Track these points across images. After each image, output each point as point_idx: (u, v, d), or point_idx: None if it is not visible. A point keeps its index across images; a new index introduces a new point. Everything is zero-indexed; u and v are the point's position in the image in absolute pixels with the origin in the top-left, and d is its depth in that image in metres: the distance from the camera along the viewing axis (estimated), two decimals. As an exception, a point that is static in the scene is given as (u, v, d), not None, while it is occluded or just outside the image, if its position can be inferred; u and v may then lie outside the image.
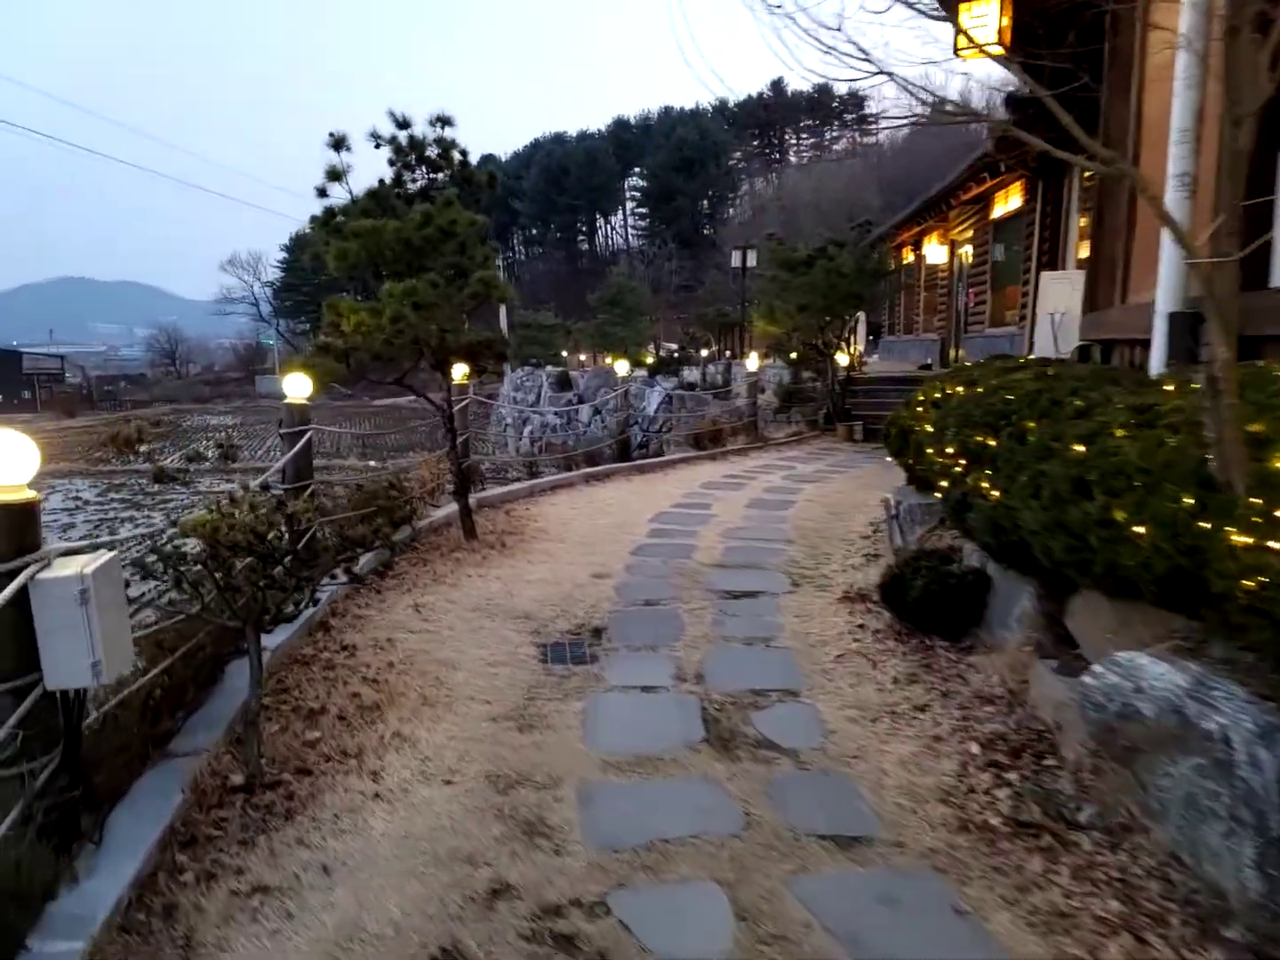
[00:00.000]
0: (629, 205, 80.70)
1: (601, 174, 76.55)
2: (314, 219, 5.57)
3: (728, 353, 27.36)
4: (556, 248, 78.84)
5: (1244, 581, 2.22)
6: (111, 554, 2.32)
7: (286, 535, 3.17)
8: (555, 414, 26.16)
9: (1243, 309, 3.81)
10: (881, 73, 2.47)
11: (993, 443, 3.76)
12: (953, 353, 17.68)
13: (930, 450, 4.55)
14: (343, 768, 2.98)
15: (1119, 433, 2.92)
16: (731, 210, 69.46)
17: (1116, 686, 2.55)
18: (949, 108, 2.81)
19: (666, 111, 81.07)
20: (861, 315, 15.92)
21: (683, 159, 70.07)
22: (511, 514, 7.41)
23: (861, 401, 13.90)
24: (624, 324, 29.93)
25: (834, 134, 76.45)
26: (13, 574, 2.12)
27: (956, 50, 7.48)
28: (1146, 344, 4.67)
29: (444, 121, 5.53)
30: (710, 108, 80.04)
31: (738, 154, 75.94)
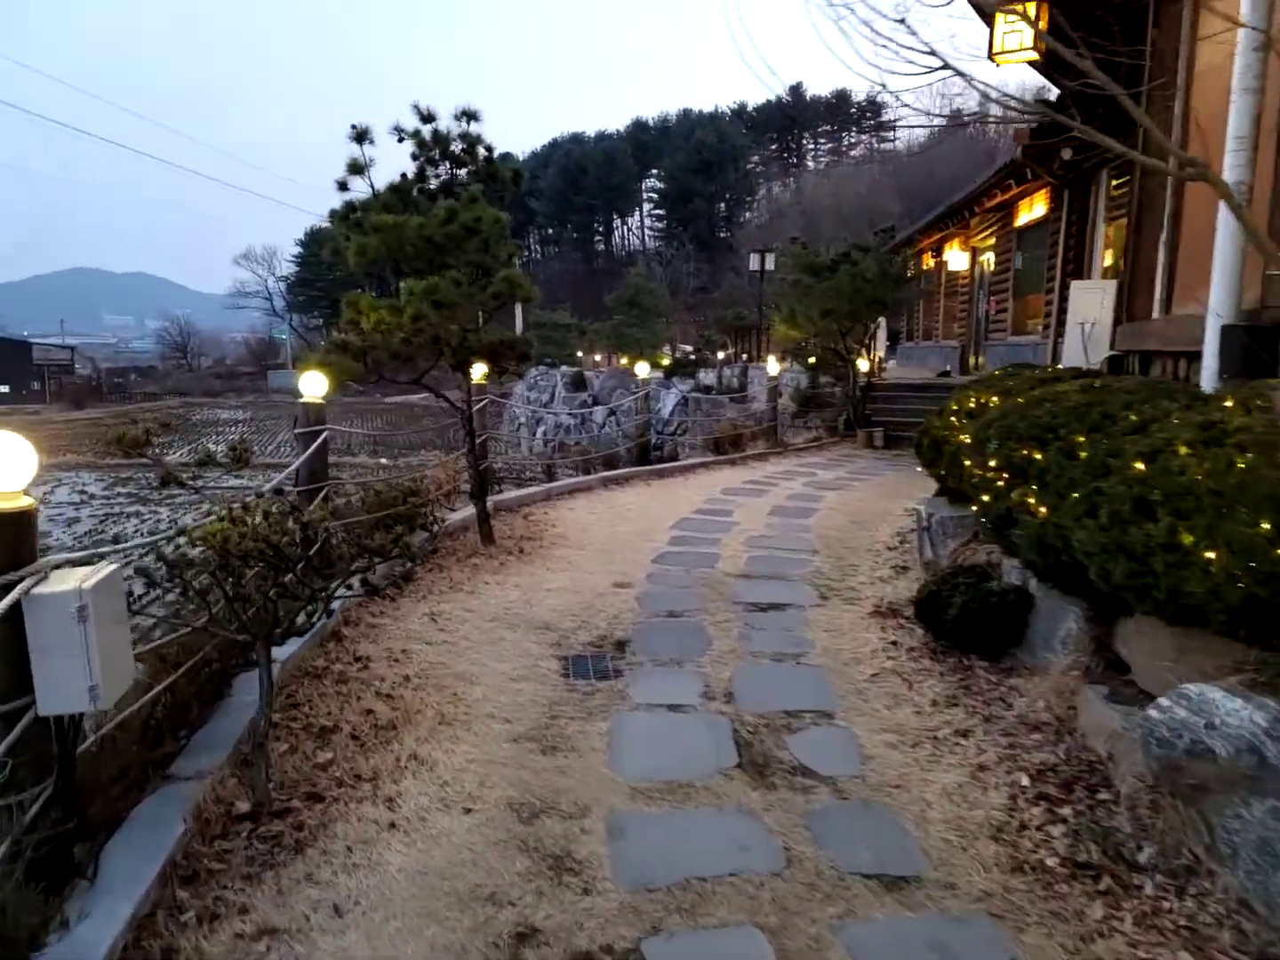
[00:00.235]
0: (646, 207, 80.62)
1: (619, 174, 76.49)
2: (334, 213, 5.45)
3: (744, 356, 27.17)
4: (573, 247, 78.78)
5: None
6: (112, 567, 2.16)
7: (300, 541, 3.02)
8: (569, 415, 26.03)
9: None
10: (946, 66, 2.30)
11: (1039, 456, 3.58)
12: (972, 360, 17.45)
13: (968, 462, 4.37)
14: (356, 793, 2.81)
15: (1183, 450, 2.75)
16: (749, 214, 69.24)
17: (1185, 722, 2.38)
18: (1007, 104, 2.63)
19: (685, 114, 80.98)
20: (883, 321, 15.70)
21: (701, 161, 69.88)
22: (529, 518, 7.26)
23: (881, 408, 13.70)
24: (640, 325, 29.74)
25: (853, 139, 76.14)
26: (5, 589, 1.97)
27: (991, 55, 7.32)
28: (1193, 356, 4.49)
29: (469, 116, 5.39)
30: (729, 111, 79.99)
31: (755, 158, 75.71)
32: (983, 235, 16.54)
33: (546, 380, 31.16)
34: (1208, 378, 3.78)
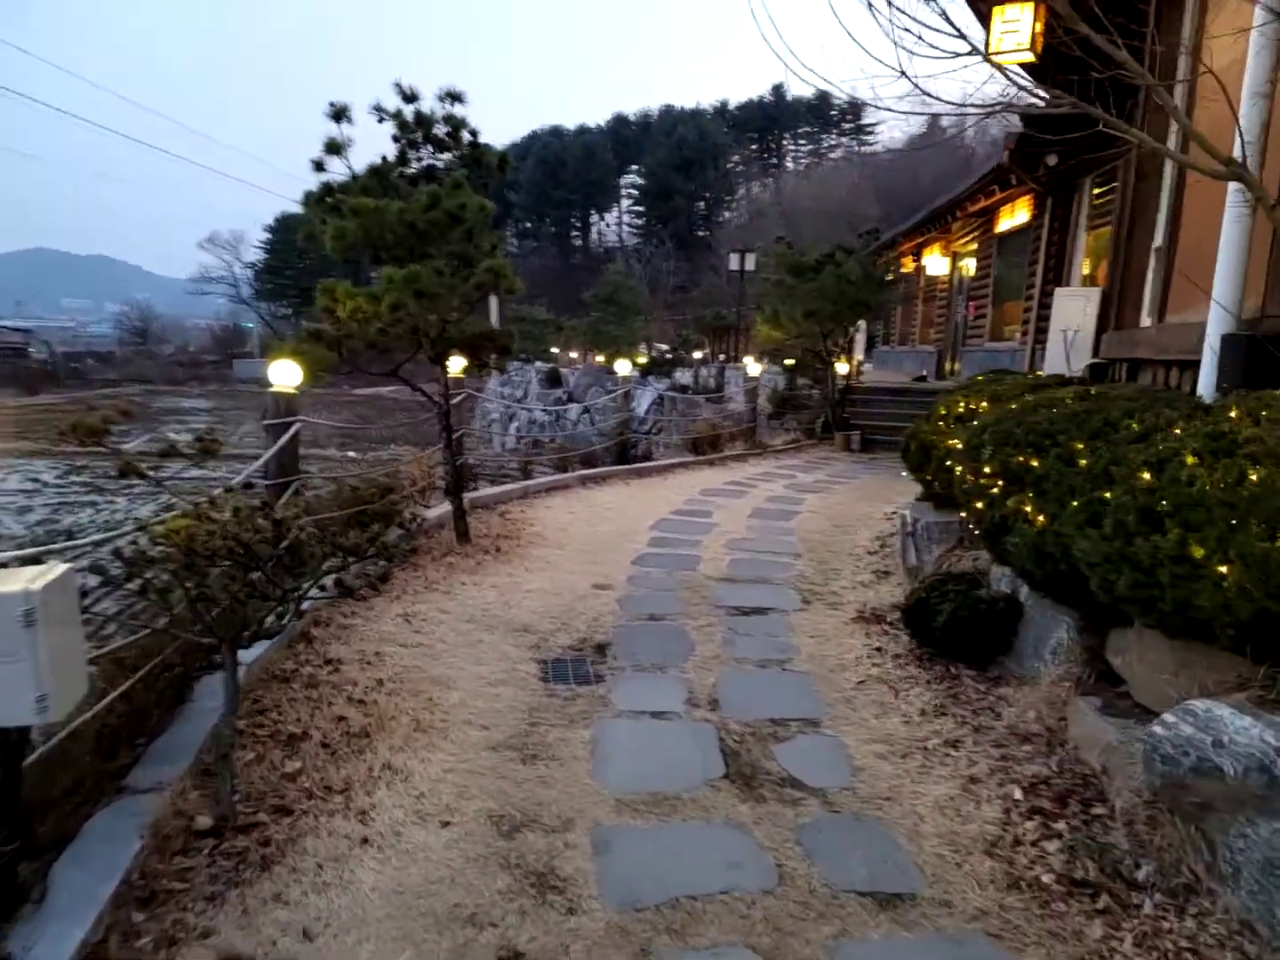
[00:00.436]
0: (625, 203, 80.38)
1: (599, 169, 76.12)
2: (309, 194, 5.25)
3: (721, 356, 27.12)
4: (550, 242, 78.31)
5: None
6: (65, 566, 1.99)
7: (271, 539, 2.86)
8: (544, 411, 25.80)
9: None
10: (975, 51, 2.20)
11: (1036, 463, 3.52)
12: (949, 365, 17.53)
13: (959, 468, 4.31)
14: (327, 806, 2.65)
15: (1190, 460, 2.68)
16: (728, 213, 69.23)
17: (1191, 739, 2.32)
18: (1035, 93, 2.54)
19: (667, 110, 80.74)
20: (862, 324, 15.71)
21: (682, 158, 69.74)
22: (506, 516, 7.11)
23: (859, 411, 13.70)
24: (619, 323, 29.56)
25: (833, 141, 76.47)
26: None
27: (987, 55, 7.28)
28: (1187, 365, 4.46)
29: (454, 97, 5.21)
30: (711, 108, 79.96)
31: (736, 157, 75.78)
32: (963, 240, 16.61)
33: (521, 376, 30.87)
34: (1206, 387, 3.74)
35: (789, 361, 15.55)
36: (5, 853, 1.93)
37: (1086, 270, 11.73)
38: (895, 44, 2.48)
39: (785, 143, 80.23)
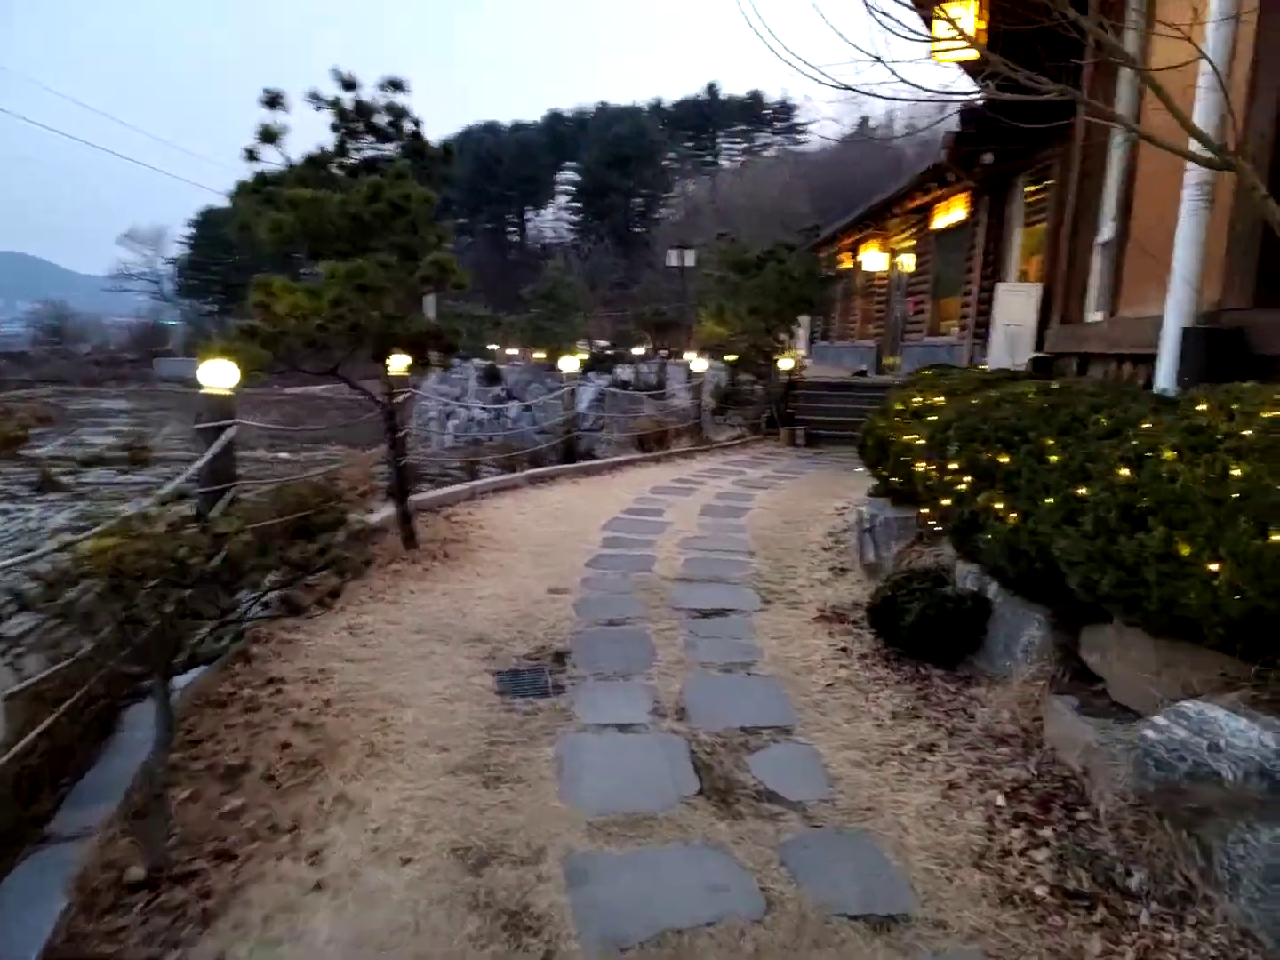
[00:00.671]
0: (561, 199, 79.80)
1: (535, 166, 75.42)
2: (242, 185, 4.93)
3: (663, 352, 27.04)
4: (486, 238, 77.26)
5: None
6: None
7: (207, 555, 2.61)
8: (483, 409, 25.35)
9: (1261, 326, 3.64)
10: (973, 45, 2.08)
11: (1006, 460, 3.46)
12: (888, 360, 17.77)
13: (922, 465, 4.25)
14: (274, 847, 2.41)
15: (1169, 455, 2.64)
16: (665, 210, 69.22)
17: (1186, 742, 2.26)
18: (1030, 82, 2.46)
19: (603, 107, 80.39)
20: (805, 320, 15.79)
21: (618, 155, 69.49)
22: (453, 519, 6.85)
23: (803, 406, 13.74)
24: (558, 319, 29.20)
25: (766, 139, 77.20)
26: None
27: (932, 53, 7.29)
28: (1141, 359, 4.49)
29: (395, 85, 4.96)
30: (646, 106, 79.90)
31: (672, 154, 75.85)
32: (901, 237, 16.83)
33: (459, 373, 30.28)
34: (1166, 380, 3.75)
35: (731, 357, 15.55)
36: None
37: (1022, 266, 11.97)
38: (877, 22, 2.36)
39: (720, 141, 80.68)
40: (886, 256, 17.77)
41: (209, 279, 65.15)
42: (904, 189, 13.71)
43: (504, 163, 74.39)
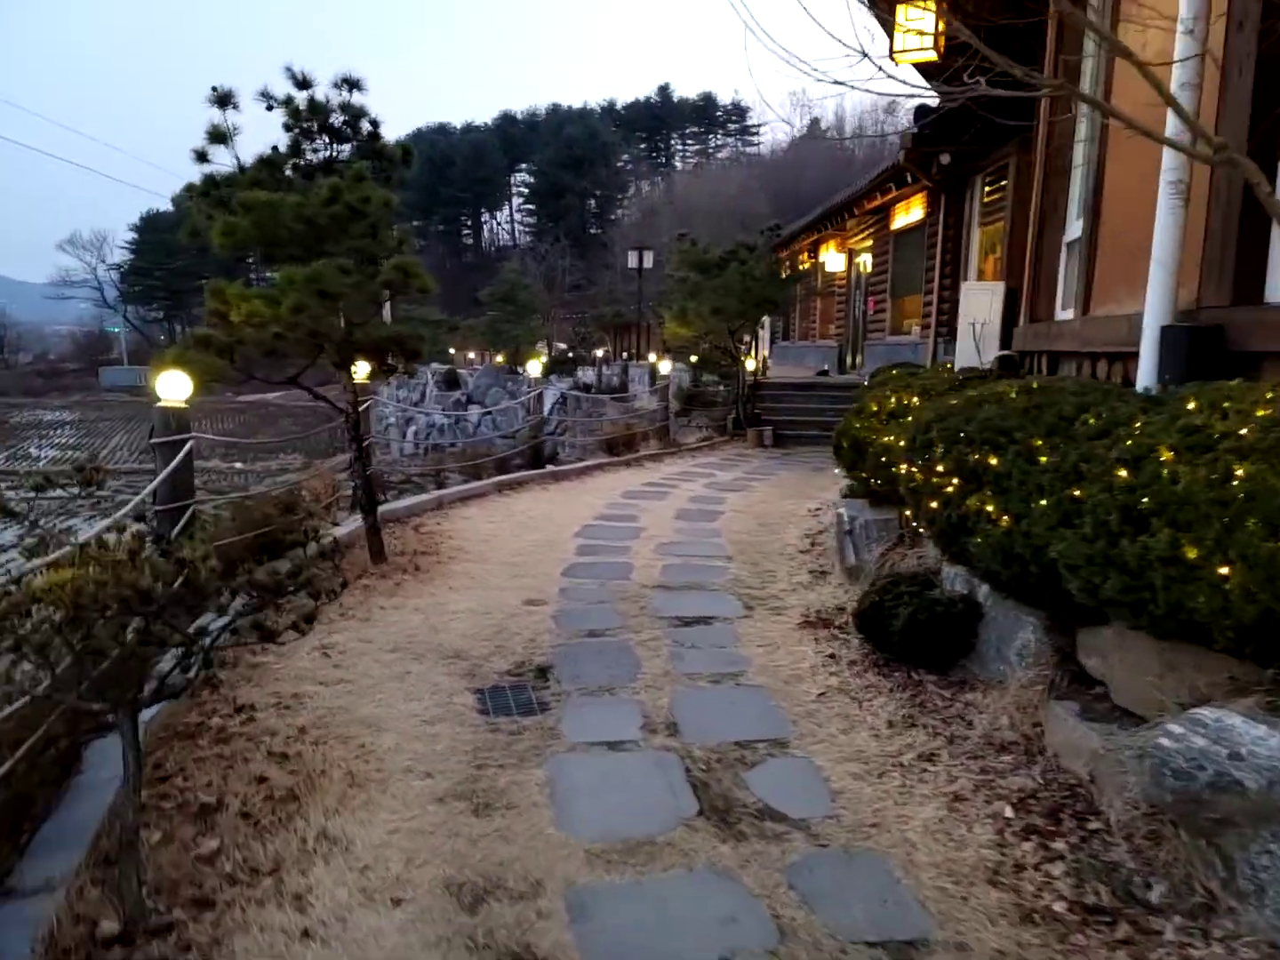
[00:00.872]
0: (516, 201, 79.36)
1: (488, 167, 74.92)
2: (191, 188, 4.70)
3: (624, 354, 26.99)
4: (440, 241, 76.50)
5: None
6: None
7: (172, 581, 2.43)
8: (444, 415, 25.04)
9: (1240, 323, 3.64)
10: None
11: (994, 461, 3.41)
12: (850, 359, 17.89)
13: (904, 466, 4.19)
14: (255, 893, 2.24)
15: (1167, 456, 2.60)
16: (621, 211, 69.23)
17: (1205, 751, 2.20)
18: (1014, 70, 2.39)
19: (554, 109, 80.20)
20: (767, 320, 15.81)
21: (572, 157, 69.34)
22: (421, 530, 6.66)
23: (769, 406, 13.75)
24: (517, 322, 29.00)
25: (719, 141, 77.65)
26: None
27: (892, 54, 7.32)
28: (1116, 357, 4.49)
29: (351, 84, 4.77)
30: (599, 108, 79.86)
31: (626, 156, 75.89)
32: (860, 237, 16.95)
33: (417, 378, 29.89)
34: (1147, 379, 3.73)
35: (693, 358, 15.52)
36: None
37: (980, 265, 12.11)
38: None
39: (674, 143, 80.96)
40: (845, 256, 17.90)
41: (153, 285, 63.47)
42: (862, 190, 13.79)
43: (457, 164, 73.80)
